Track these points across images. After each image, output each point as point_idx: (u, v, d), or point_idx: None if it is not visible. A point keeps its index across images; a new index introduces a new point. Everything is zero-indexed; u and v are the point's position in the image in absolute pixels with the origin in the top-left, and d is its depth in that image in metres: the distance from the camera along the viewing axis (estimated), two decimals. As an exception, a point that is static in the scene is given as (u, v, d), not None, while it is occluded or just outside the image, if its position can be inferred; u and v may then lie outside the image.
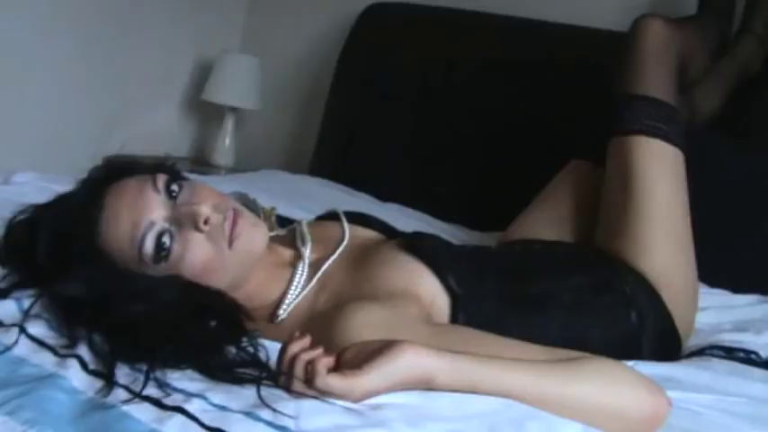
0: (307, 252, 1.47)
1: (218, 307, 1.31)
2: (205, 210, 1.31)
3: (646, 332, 1.65)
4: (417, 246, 1.50)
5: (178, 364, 1.17)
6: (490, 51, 2.89)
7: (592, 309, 1.61)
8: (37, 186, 2.00)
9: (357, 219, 1.68)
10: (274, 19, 3.81)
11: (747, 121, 2.43)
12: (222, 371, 1.16)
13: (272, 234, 1.51)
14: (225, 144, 3.61)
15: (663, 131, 1.81)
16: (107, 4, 3.31)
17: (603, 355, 1.40)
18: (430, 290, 1.43)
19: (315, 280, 1.43)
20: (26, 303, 1.28)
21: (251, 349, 1.22)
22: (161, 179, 1.33)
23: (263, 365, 1.19)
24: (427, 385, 1.16)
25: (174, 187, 1.33)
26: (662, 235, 1.77)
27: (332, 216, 1.69)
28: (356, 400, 1.11)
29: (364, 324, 1.28)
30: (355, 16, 3.29)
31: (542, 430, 1.13)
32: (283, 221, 2.15)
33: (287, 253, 1.52)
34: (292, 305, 1.41)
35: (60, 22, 3.18)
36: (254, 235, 1.37)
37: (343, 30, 3.34)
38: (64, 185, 1.79)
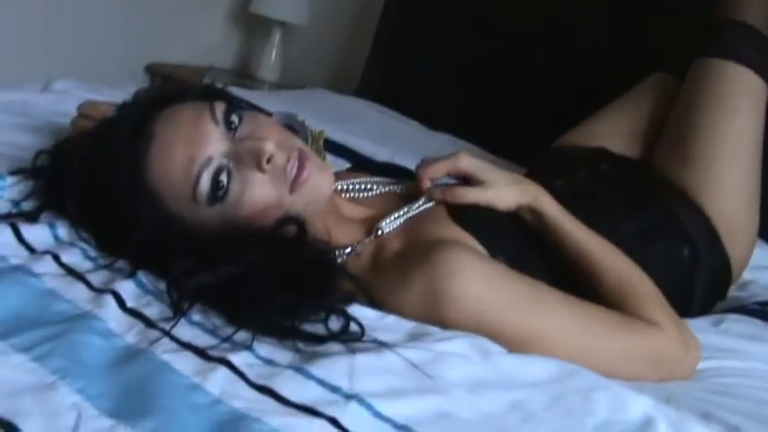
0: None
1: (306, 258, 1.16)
2: (270, 147, 1.14)
3: (699, 269, 1.62)
4: (466, 216, 1.36)
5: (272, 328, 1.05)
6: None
7: (646, 256, 1.49)
8: (77, 96, 1.90)
9: (397, 170, 1.59)
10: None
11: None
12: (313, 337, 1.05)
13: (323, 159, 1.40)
14: (271, 59, 3.51)
15: (753, 61, 1.74)
16: None
17: None
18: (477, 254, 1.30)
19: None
20: (60, 229, 1.20)
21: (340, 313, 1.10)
22: (220, 108, 1.17)
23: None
24: (536, 204, 1.35)
25: (234, 118, 1.18)
26: (733, 171, 1.70)
27: (376, 169, 1.59)
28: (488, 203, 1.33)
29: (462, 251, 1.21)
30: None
31: (610, 402, 1.06)
32: (331, 147, 2.08)
33: (348, 208, 1.38)
34: (395, 225, 1.32)
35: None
36: (321, 181, 1.20)
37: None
38: (105, 95, 1.72)
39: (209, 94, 1.25)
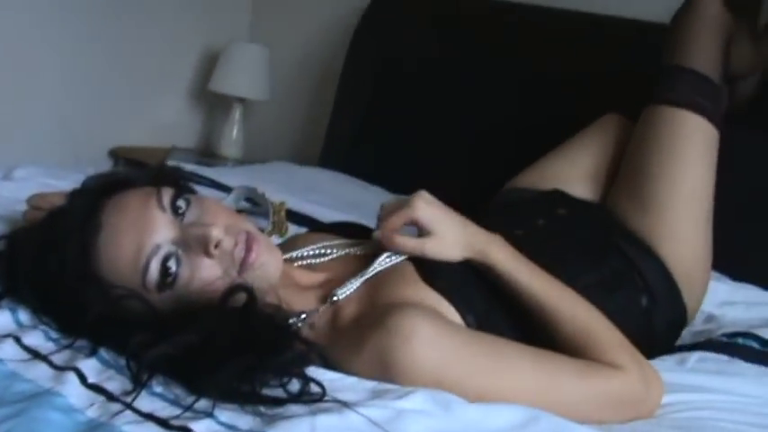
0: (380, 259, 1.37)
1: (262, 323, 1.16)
2: (216, 232, 1.16)
3: (657, 316, 1.64)
4: (433, 274, 1.36)
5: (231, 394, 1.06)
6: (506, 34, 2.81)
7: (604, 308, 1.50)
8: (39, 182, 1.92)
9: (357, 229, 1.58)
10: (282, 7, 3.75)
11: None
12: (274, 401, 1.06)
13: (286, 235, 1.41)
14: (232, 135, 3.55)
15: (709, 110, 1.76)
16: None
17: None
18: (449, 316, 1.32)
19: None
20: (21, 314, 1.21)
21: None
22: (167, 194, 1.19)
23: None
24: (485, 257, 1.34)
25: (181, 203, 1.19)
26: (691, 221, 1.72)
27: (333, 229, 1.60)
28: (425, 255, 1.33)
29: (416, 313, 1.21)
30: (367, 2, 3.21)
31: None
32: (294, 217, 2.10)
33: (303, 277, 1.39)
34: (351, 290, 1.32)
35: (66, 13, 3.14)
36: (270, 261, 1.22)
37: (353, 16, 3.26)
38: (67, 181, 1.73)
39: (158, 178, 1.26)
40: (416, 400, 1.09)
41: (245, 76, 3.47)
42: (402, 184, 2.70)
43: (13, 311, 1.21)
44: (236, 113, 3.55)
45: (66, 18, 3.12)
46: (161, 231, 1.16)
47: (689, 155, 1.73)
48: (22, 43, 3.01)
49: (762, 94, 2.24)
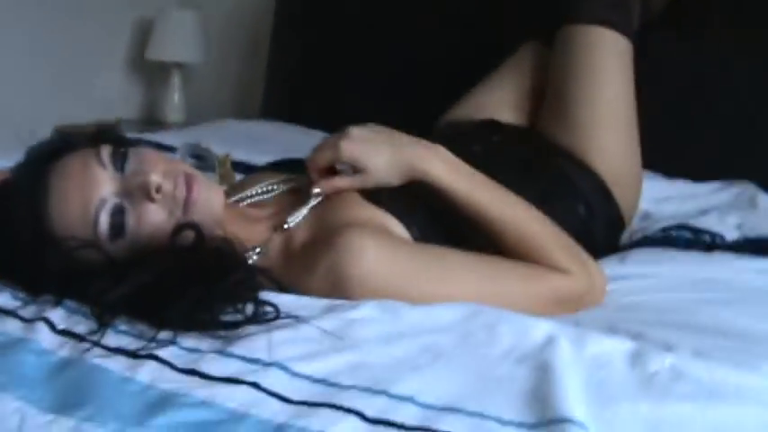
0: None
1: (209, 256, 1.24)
2: (155, 178, 1.23)
3: (595, 222, 1.71)
4: (377, 197, 1.43)
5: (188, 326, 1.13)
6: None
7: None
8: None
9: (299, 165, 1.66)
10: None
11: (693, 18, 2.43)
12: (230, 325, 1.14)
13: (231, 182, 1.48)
14: (174, 100, 3.57)
15: (618, 23, 1.82)
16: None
17: None
18: (395, 230, 1.40)
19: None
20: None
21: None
22: (105, 151, 1.26)
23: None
24: (423, 175, 1.38)
25: (119, 158, 1.26)
26: (613, 131, 1.80)
27: (278, 168, 1.67)
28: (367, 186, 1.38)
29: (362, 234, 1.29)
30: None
31: (514, 331, 1.14)
32: (240, 167, 2.16)
33: (253, 212, 1.47)
34: (300, 217, 1.40)
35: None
36: (211, 197, 1.29)
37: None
38: (12, 162, 1.78)
39: (97, 138, 1.32)
40: (365, 310, 1.18)
41: (179, 41, 3.49)
42: (343, 125, 2.78)
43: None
44: (176, 79, 3.58)
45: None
46: (104, 186, 1.23)
47: (604, 70, 1.81)
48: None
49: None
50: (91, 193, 1.22)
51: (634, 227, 1.91)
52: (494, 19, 2.60)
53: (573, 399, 0.94)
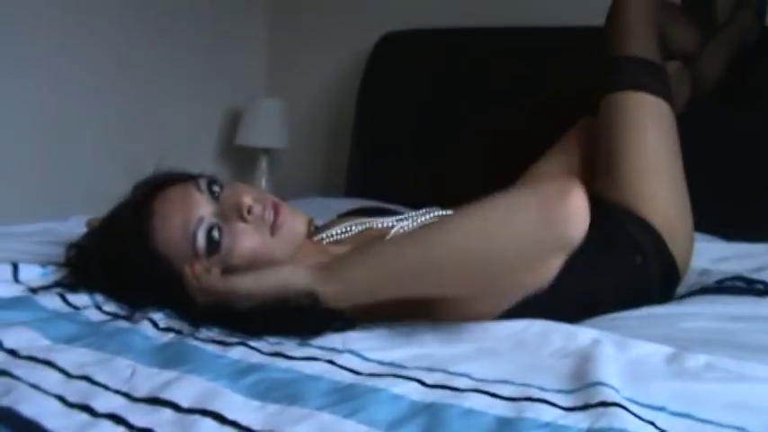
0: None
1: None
2: (247, 200, 1.38)
3: (652, 272, 1.78)
4: None
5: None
6: (503, 61, 3.07)
7: (602, 264, 1.69)
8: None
9: (378, 211, 1.81)
10: (294, 60, 4.01)
11: (747, 89, 2.57)
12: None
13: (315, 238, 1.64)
14: (261, 185, 3.76)
15: (647, 85, 1.95)
16: (140, 60, 3.50)
17: (618, 304, 1.60)
18: None
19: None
20: (97, 296, 1.44)
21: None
22: (203, 181, 1.43)
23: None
24: (294, 285, 1.28)
25: (216, 188, 1.43)
26: (659, 182, 1.89)
27: (358, 212, 1.84)
28: (221, 293, 1.31)
29: None
30: (370, 47, 3.48)
31: (563, 336, 1.27)
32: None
33: (332, 249, 1.62)
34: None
35: (100, 80, 3.36)
36: (295, 222, 1.43)
37: (360, 61, 3.53)
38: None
39: (195, 176, 1.49)
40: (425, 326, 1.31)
41: (267, 128, 3.71)
42: (421, 203, 2.96)
43: (91, 295, 1.44)
44: (263, 163, 3.79)
45: (100, 85, 3.35)
46: (202, 207, 1.40)
47: (643, 125, 1.92)
48: (61, 109, 3.23)
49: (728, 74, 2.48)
50: (190, 213, 1.39)
51: (691, 281, 1.97)
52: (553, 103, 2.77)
53: (608, 374, 1.06)
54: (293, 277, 1.28)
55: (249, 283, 1.30)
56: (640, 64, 1.99)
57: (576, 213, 1.20)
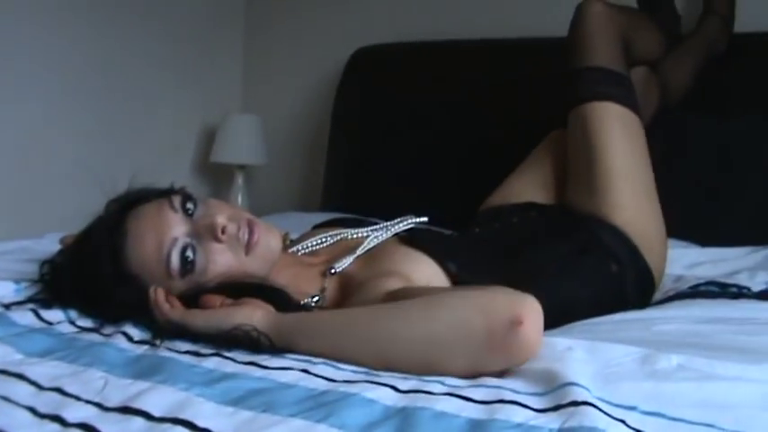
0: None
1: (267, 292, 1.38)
2: (221, 220, 1.38)
3: (627, 280, 1.80)
4: (415, 239, 1.62)
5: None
6: (475, 74, 3.11)
7: (577, 271, 1.75)
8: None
9: (353, 221, 1.82)
10: (268, 76, 4.02)
11: (718, 96, 2.59)
12: None
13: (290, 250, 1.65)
14: (237, 201, 3.75)
15: (611, 95, 1.96)
16: (115, 77, 3.50)
17: (593, 310, 1.62)
18: (426, 272, 1.52)
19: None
20: (71, 312, 1.44)
21: None
22: (176, 199, 1.42)
23: None
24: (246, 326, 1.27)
25: (190, 205, 1.42)
26: (628, 189, 1.91)
27: (333, 223, 1.85)
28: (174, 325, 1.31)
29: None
30: (344, 62, 3.49)
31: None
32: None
33: (308, 259, 1.63)
34: (345, 264, 1.54)
35: (74, 97, 3.35)
36: (270, 240, 1.44)
37: (334, 76, 3.55)
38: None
39: (168, 192, 1.49)
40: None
41: (242, 144, 3.71)
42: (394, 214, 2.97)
43: (65, 311, 1.44)
44: (239, 179, 3.78)
45: (73, 103, 3.35)
46: (176, 227, 1.39)
47: (611, 133, 1.93)
48: (35, 127, 3.21)
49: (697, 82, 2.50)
50: (164, 234, 1.38)
51: (666, 287, 1.99)
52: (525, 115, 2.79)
53: (581, 375, 1.07)
54: (247, 320, 1.27)
55: (200, 323, 1.30)
56: (603, 74, 2.00)
57: (526, 347, 1.14)
